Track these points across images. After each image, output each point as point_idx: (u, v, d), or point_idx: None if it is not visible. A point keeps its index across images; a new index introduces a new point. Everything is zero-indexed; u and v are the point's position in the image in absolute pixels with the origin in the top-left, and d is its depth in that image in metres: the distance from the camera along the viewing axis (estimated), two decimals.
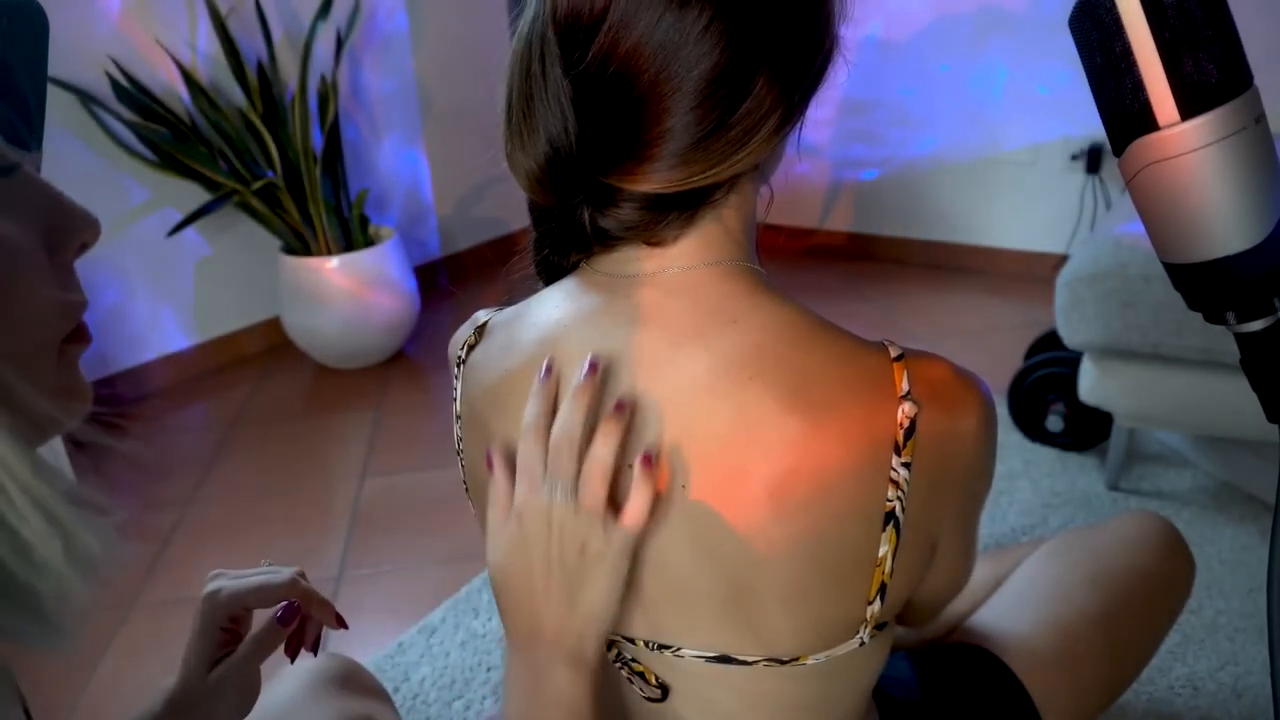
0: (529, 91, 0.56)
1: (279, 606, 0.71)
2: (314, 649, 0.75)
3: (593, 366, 0.54)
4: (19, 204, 0.37)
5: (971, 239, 2.99)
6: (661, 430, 0.55)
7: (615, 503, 0.54)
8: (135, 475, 2.05)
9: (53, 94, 2.08)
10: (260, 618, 0.72)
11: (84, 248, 0.40)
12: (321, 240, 2.39)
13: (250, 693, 0.69)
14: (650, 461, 0.53)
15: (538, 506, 0.54)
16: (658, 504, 0.54)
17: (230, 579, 0.72)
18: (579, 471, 0.53)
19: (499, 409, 0.62)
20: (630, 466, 0.54)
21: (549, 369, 0.56)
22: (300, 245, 2.40)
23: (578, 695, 0.55)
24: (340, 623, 0.74)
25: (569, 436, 0.53)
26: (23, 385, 0.34)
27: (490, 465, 0.57)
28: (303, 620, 0.73)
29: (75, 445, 1.93)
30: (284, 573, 0.72)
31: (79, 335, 0.40)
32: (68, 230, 0.39)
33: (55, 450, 1.88)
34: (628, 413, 0.54)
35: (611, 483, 0.53)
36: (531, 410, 0.55)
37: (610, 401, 0.54)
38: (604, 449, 0.53)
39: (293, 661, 0.75)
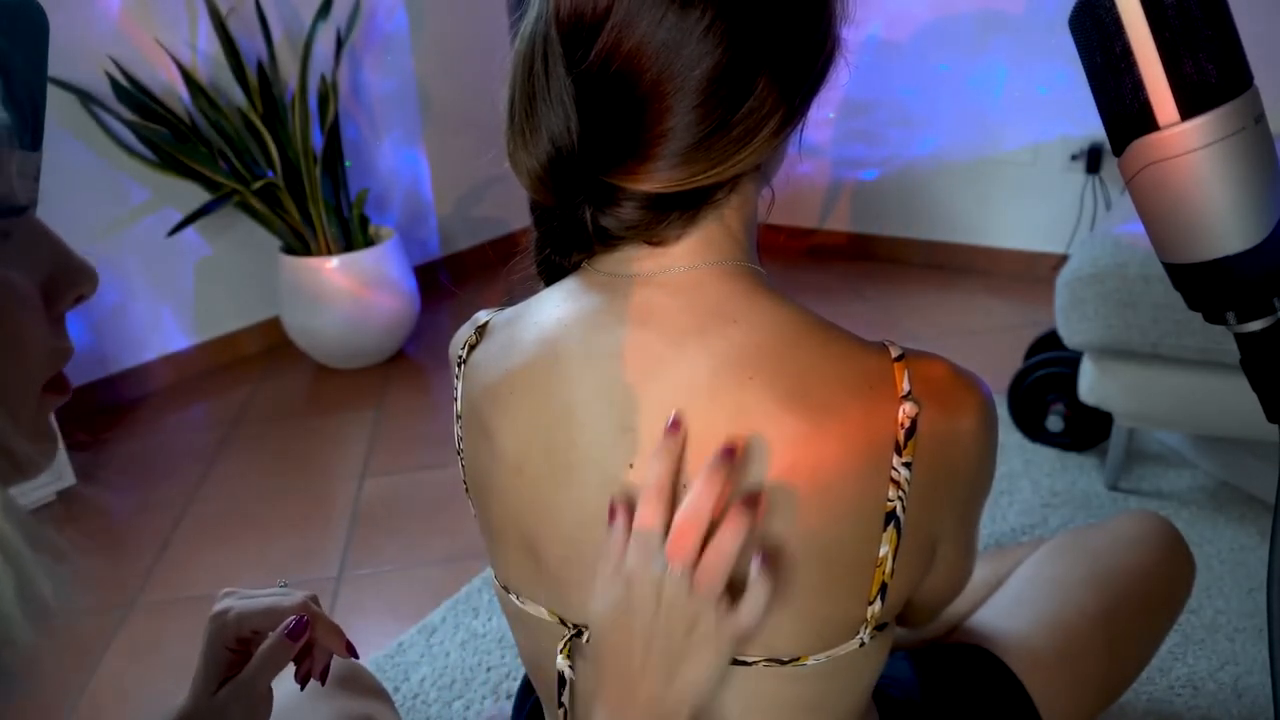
0: (532, 91, 0.56)
1: (288, 621, 0.69)
2: (322, 678, 0.73)
3: (729, 452, 0.52)
4: (25, 253, 0.38)
5: (971, 239, 2.99)
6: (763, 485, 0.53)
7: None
8: (135, 475, 2.05)
9: (53, 94, 2.08)
10: None
11: (80, 299, 0.40)
12: (321, 240, 2.39)
13: (259, 711, 0.68)
14: (769, 558, 0.52)
15: (650, 578, 0.52)
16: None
17: (240, 599, 0.71)
18: (699, 554, 0.51)
19: (500, 408, 0.62)
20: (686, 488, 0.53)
21: (675, 423, 0.53)
22: (300, 245, 2.40)
23: None
24: (350, 651, 0.73)
25: (699, 520, 0.51)
26: (5, 424, 0.34)
27: (613, 516, 0.54)
28: (312, 645, 0.71)
29: (75, 446, 1.93)
30: (295, 595, 0.71)
31: (59, 386, 0.40)
32: (68, 282, 0.40)
33: (56, 453, 1.88)
34: (763, 506, 0.52)
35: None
36: (656, 470, 0.53)
37: (739, 489, 0.52)
38: (732, 542, 0.51)
39: (303, 688, 0.73)
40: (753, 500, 0.51)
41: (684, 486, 0.54)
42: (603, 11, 0.52)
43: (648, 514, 0.53)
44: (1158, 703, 1.26)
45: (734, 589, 0.52)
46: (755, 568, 0.51)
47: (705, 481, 0.51)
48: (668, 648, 0.52)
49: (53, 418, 0.42)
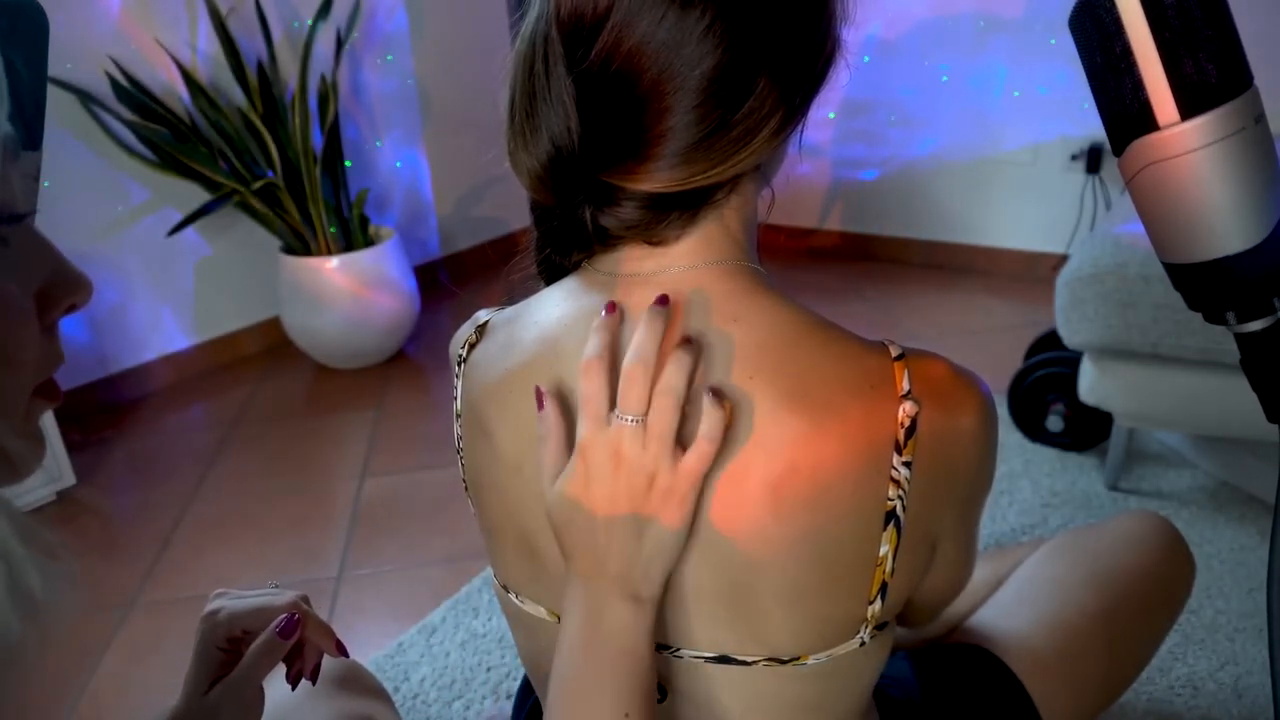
0: (532, 91, 0.56)
1: (279, 619, 0.69)
2: (313, 677, 0.73)
3: (664, 299, 0.54)
4: (22, 261, 0.38)
5: (971, 239, 2.99)
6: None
7: (680, 442, 0.53)
8: (135, 475, 2.05)
9: (53, 94, 2.08)
10: None
11: (73, 308, 0.40)
12: (321, 240, 2.39)
13: (251, 710, 0.68)
14: (720, 394, 0.52)
15: (604, 441, 0.53)
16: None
17: (231, 599, 0.71)
18: (649, 403, 0.52)
19: (500, 408, 0.62)
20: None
21: (612, 306, 0.55)
22: (300, 245, 2.40)
23: (638, 630, 0.55)
24: (341, 650, 0.73)
25: (644, 362, 0.52)
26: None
27: (540, 402, 0.56)
28: (303, 644, 0.71)
29: (75, 446, 1.93)
30: (285, 595, 0.71)
31: (50, 392, 0.41)
32: (62, 291, 0.40)
33: (56, 452, 1.88)
34: (696, 347, 0.53)
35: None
36: (592, 346, 0.54)
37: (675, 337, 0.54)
38: (678, 378, 0.52)
39: (294, 688, 0.73)
40: (689, 342, 0.53)
41: (702, 335, 0.55)
42: (603, 11, 0.52)
43: (591, 385, 0.53)
44: (1158, 703, 1.26)
45: (687, 446, 0.53)
46: (707, 399, 0.52)
47: (645, 328, 0.52)
48: (631, 507, 0.53)
49: (51, 419, 0.42)
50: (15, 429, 0.38)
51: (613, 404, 0.53)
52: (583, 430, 0.54)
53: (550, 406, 0.56)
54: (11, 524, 0.33)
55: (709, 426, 0.51)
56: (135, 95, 2.19)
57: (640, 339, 0.52)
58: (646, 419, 0.52)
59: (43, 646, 0.34)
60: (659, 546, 0.54)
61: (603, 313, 0.55)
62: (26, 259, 0.38)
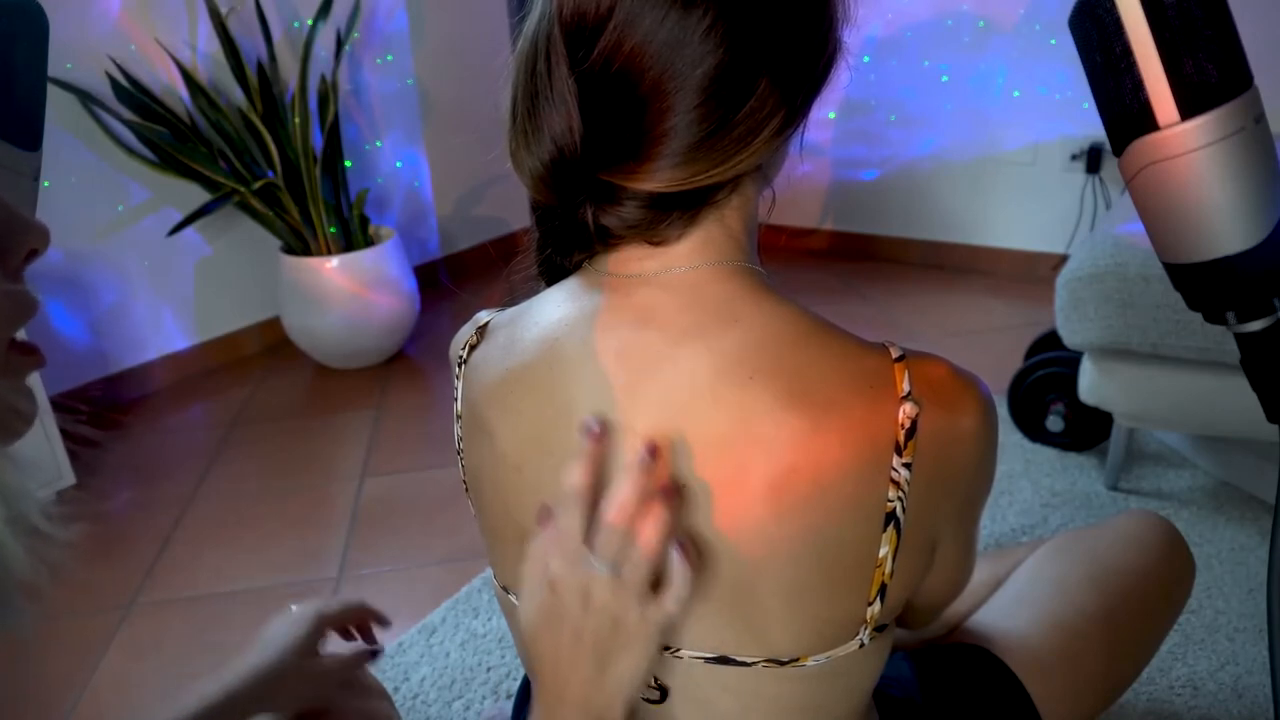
0: (534, 91, 0.56)
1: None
2: None
3: (654, 449, 0.53)
4: None
5: (971, 239, 2.99)
6: (689, 470, 0.54)
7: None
8: (135, 475, 2.05)
9: (53, 94, 2.08)
10: None
11: (34, 254, 0.40)
12: (321, 240, 2.39)
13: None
14: (688, 546, 0.52)
15: (575, 583, 0.53)
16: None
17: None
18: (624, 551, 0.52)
19: (500, 408, 0.62)
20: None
21: (601, 430, 0.54)
22: (300, 245, 2.40)
23: None
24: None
25: (624, 517, 0.52)
26: None
27: (542, 522, 0.56)
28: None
29: (75, 446, 1.93)
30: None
31: (29, 350, 0.40)
32: (17, 239, 0.40)
33: (56, 452, 1.88)
34: (681, 497, 0.53)
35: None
36: (576, 477, 0.54)
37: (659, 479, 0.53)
38: (655, 534, 0.52)
39: None
40: (671, 493, 0.53)
41: (684, 486, 0.54)
42: (605, 11, 0.52)
43: (570, 519, 0.54)
44: (1158, 703, 1.26)
45: (656, 583, 0.53)
46: (675, 557, 0.52)
47: (629, 479, 0.52)
48: (595, 646, 0.53)
49: (51, 420, 0.42)
50: (2, 382, 0.38)
51: (589, 540, 0.53)
52: (554, 565, 0.54)
53: (550, 527, 0.55)
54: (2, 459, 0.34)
55: (676, 590, 0.52)
56: (135, 95, 2.19)
57: (625, 491, 0.52)
58: (622, 570, 0.52)
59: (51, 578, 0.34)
60: (620, 682, 0.54)
61: (591, 432, 0.54)
62: None
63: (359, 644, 0.86)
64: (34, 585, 0.34)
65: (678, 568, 0.52)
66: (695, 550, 0.53)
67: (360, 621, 0.88)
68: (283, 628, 0.81)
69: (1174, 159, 0.45)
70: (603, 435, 0.54)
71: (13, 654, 1.47)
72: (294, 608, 0.86)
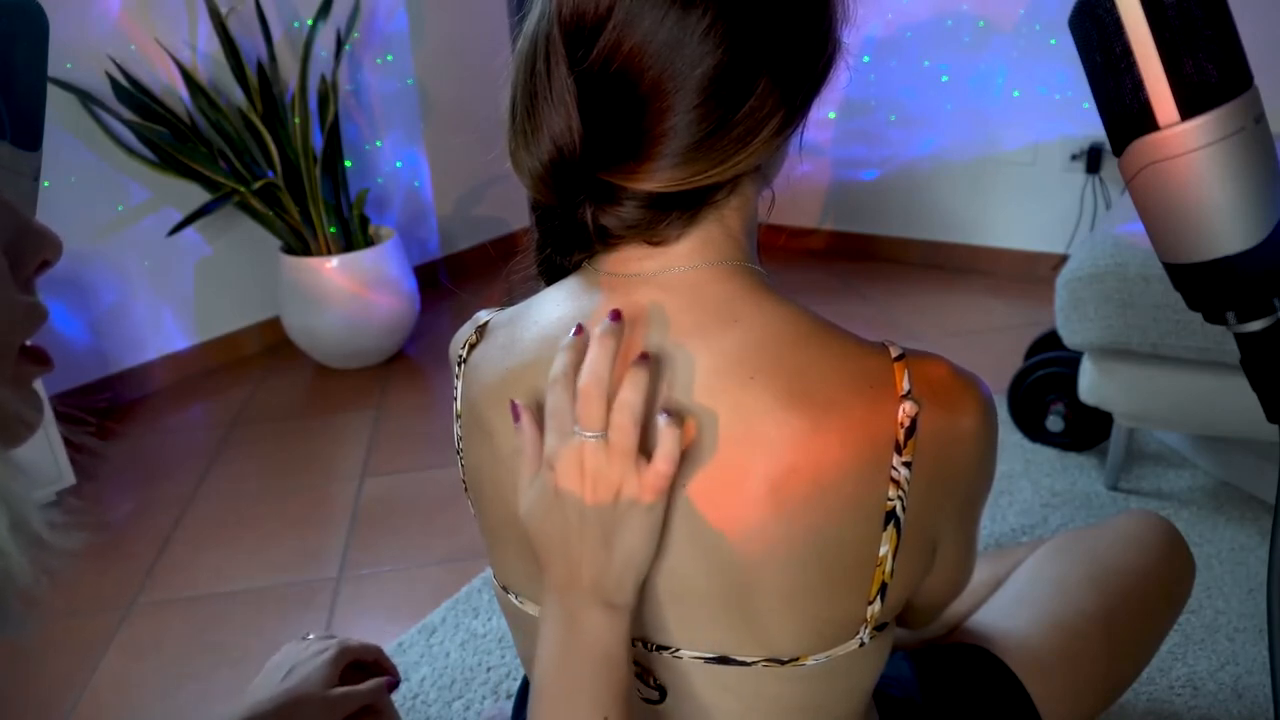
0: (534, 90, 0.56)
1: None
2: None
3: (616, 314, 0.54)
4: None
5: (971, 239, 2.99)
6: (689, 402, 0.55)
7: (647, 455, 0.53)
8: (135, 475, 2.05)
9: (53, 94, 2.08)
10: None
11: (45, 265, 0.41)
12: (321, 240, 2.39)
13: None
14: (674, 412, 0.53)
15: (569, 454, 0.54)
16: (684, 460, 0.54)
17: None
18: (608, 417, 0.53)
19: (500, 408, 0.62)
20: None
21: (579, 328, 0.56)
22: (300, 245, 2.40)
23: (612, 639, 0.55)
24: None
25: (597, 380, 0.52)
26: None
27: (517, 417, 0.57)
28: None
29: (75, 446, 1.93)
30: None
31: (39, 356, 0.41)
32: (31, 249, 0.40)
33: (56, 452, 1.88)
34: (653, 362, 0.54)
35: (642, 437, 0.53)
36: (559, 363, 0.55)
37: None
38: (632, 394, 0.52)
39: None
40: (645, 356, 0.53)
41: (657, 355, 0.56)
42: (605, 11, 0.52)
43: (556, 399, 0.54)
44: (1158, 703, 1.26)
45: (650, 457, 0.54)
46: (661, 420, 0.52)
47: (598, 344, 0.53)
48: (599, 518, 0.54)
49: (51, 420, 0.42)
50: (8, 390, 0.38)
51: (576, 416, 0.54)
52: (550, 443, 0.55)
53: (526, 420, 0.56)
54: (7, 467, 0.34)
55: (664, 449, 0.52)
56: (135, 95, 2.19)
57: (593, 356, 0.53)
58: (609, 435, 0.53)
59: (49, 585, 0.34)
60: (629, 557, 0.54)
61: (571, 332, 0.55)
62: None
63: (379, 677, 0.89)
64: (33, 592, 0.34)
65: (664, 428, 0.52)
66: (679, 417, 0.53)
67: (376, 657, 0.90)
68: (307, 657, 0.83)
69: (1174, 159, 0.45)
70: (584, 336, 0.55)
71: (13, 654, 1.47)
72: (311, 636, 0.88)
